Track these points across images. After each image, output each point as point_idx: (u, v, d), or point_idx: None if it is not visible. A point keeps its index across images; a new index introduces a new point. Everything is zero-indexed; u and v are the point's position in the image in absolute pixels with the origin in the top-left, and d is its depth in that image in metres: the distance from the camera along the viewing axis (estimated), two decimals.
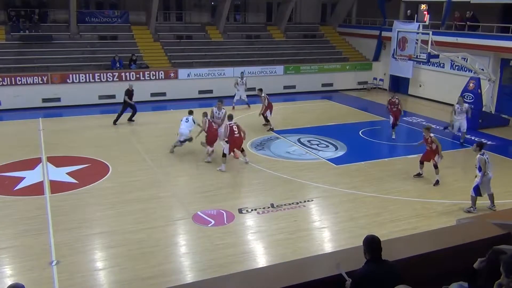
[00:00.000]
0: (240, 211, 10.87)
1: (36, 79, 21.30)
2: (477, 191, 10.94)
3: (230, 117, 14.18)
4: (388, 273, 4.27)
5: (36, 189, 12.11)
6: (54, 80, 21.59)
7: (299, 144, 16.36)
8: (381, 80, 27.69)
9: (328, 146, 16.13)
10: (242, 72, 22.34)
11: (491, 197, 11.18)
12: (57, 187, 12.24)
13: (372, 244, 4.36)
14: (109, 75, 22.42)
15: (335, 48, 29.46)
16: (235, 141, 13.65)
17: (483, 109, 18.99)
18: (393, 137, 17.24)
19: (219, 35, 27.74)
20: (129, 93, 18.73)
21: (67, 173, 13.20)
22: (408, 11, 25.13)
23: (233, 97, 21.62)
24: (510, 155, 15.76)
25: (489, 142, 16.83)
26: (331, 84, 26.02)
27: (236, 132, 13.58)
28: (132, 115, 19.13)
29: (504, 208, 10.68)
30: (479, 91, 18.71)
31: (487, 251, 4.75)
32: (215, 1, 28.72)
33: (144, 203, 11.30)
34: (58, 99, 21.67)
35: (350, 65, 27.64)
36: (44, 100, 21.45)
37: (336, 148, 15.87)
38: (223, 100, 16.61)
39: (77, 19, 24.77)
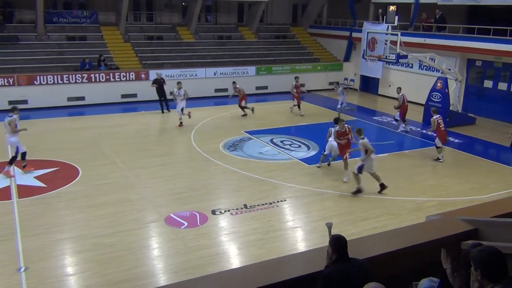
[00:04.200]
0: (213, 212, 10.83)
1: (1, 81, 20.71)
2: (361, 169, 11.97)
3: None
4: (356, 271, 4.26)
5: (2, 194, 11.78)
6: (20, 82, 21.05)
7: (272, 145, 16.41)
8: (352, 80, 28.03)
9: (301, 146, 16.23)
10: (178, 82, 19.49)
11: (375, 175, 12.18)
12: (25, 191, 11.95)
13: (338, 243, 4.36)
14: (78, 77, 22.01)
15: (306, 49, 29.68)
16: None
17: (450, 108, 19.40)
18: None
19: (190, 36, 27.58)
20: (157, 82, 20.36)
21: (35, 177, 12.91)
22: (380, 10, 25.37)
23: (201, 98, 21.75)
24: (476, 153, 16.15)
25: (456, 140, 17.26)
26: (302, 85, 26.08)
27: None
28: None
29: (471, 205, 10.93)
30: (446, 90, 19.14)
31: (455, 247, 4.82)
32: (186, 2, 28.55)
33: (115, 206, 11.14)
34: (25, 101, 21.09)
35: (321, 66, 27.88)
36: (10, 103, 20.63)
37: (309, 148, 15.98)
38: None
39: (44, 20, 24.19)
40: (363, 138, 11.85)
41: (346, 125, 13.08)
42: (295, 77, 21.83)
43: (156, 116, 20.56)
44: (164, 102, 20.99)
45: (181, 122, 18.57)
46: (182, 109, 18.60)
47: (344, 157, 13.09)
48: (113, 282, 8.05)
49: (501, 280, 3.10)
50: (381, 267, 4.49)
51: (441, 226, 5.58)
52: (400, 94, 18.22)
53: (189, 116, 18.72)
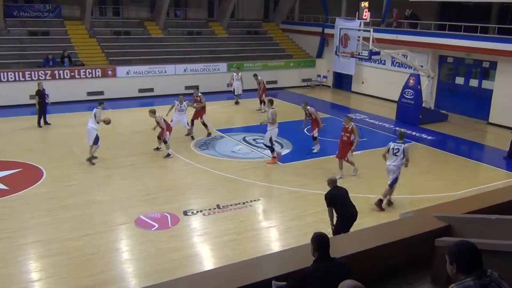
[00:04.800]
0: (185, 213, 10.61)
1: None
2: None
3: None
4: (338, 271, 4.21)
5: None
6: None
7: (245, 143, 16.18)
8: (325, 77, 27.97)
9: (274, 145, 15.98)
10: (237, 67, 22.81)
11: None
12: None
13: (320, 241, 4.34)
14: (41, 73, 21.25)
15: (278, 45, 29.55)
16: None
17: (423, 105, 19.54)
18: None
19: (159, 31, 27.07)
20: (39, 93, 17.61)
21: None
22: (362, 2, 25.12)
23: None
24: (448, 150, 16.31)
25: (429, 137, 17.39)
26: (275, 82, 26.03)
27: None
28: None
29: (444, 201, 10.99)
30: (419, 87, 19.26)
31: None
32: None
33: (83, 208, 10.78)
34: None
35: (294, 62, 27.78)
36: None
37: (282, 146, 15.79)
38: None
39: (4, 13, 23.29)
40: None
41: (353, 124, 12.98)
42: (254, 75, 21.99)
43: (124, 114, 20.02)
44: (44, 115, 18.03)
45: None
46: None
47: (345, 159, 12.95)
48: (81, 287, 7.82)
49: (473, 272, 3.19)
50: (357, 265, 4.48)
51: (415, 223, 5.70)
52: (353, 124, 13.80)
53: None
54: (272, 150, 14.11)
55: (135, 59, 24.50)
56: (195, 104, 16.37)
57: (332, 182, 8.76)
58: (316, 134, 14.96)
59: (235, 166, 13.90)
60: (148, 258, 8.79)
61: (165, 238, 9.51)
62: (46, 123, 17.91)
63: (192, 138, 16.25)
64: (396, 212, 10.02)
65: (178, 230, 9.87)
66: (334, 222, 8.67)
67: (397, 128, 11.91)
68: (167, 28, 27.47)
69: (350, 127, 12.81)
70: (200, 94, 16.64)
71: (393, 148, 10.93)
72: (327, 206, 8.62)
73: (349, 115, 13.82)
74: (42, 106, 17.65)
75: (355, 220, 8.67)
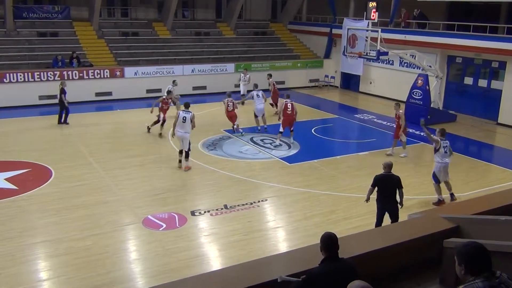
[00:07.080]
0: (192, 213, 10.57)
1: None
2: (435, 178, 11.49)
3: (288, 96, 16.35)
4: (345, 272, 4.18)
5: None
6: None
7: (252, 143, 16.16)
8: (333, 77, 27.85)
9: (281, 145, 16.01)
10: (245, 69, 23.30)
11: (447, 184, 11.56)
12: None
13: (328, 241, 4.32)
14: (50, 74, 21.33)
15: (286, 46, 29.47)
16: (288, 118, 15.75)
17: (431, 106, 19.40)
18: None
19: (167, 32, 27.11)
20: (63, 91, 17.85)
21: (6, 179, 12.41)
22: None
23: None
24: (457, 150, 16.11)
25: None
26: (283, 82, 25.94)
27: (289, 110, 15.66)
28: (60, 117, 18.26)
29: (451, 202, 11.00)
30: (427, 87, 19.12)
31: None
32: None
33: (90, 208, 10.78)
34: None
35: (301, 63, 27.70)
36: None
37: (289, 147, 15.77)
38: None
39: (13, 15, 23.39)
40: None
41: (400, 111, 14.99)
42: (268, 74, 21.69)
43: (132, 115, 20.10)
44: (64, 112, 18.25)
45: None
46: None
47: (399, 138, 15.07)
48: (88, 287, 7.81)
49: (482, 274, 3.18)
50: (365, 266, 4.47)
51: (423, 224, 5.69)
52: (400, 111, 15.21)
53: None
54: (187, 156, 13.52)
55: (143, 60, 24.54)
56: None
57: (386, 167, 9.17)
58: (236, 128, 16.33)
59: (243, 166, 13.88)
60: (156, 258, 8.77)
61: (172, 238, 9.48)
62: (65, 121, 18.13)
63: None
64: (404, 213, 9.96)
65: (185, 230, 9.84)
66: (369, 200, 9.51)
67: (437, 129, 11.67)
68: (175, 29, 27.50)
69: (397, 114, 14.89)
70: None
71: (444, 147, 11.37)
72: (371, 186, 9.27)
73: (398, 102, 15.54)
74: (62, 105, 17.95)
75: (387, 213, 9.30)
